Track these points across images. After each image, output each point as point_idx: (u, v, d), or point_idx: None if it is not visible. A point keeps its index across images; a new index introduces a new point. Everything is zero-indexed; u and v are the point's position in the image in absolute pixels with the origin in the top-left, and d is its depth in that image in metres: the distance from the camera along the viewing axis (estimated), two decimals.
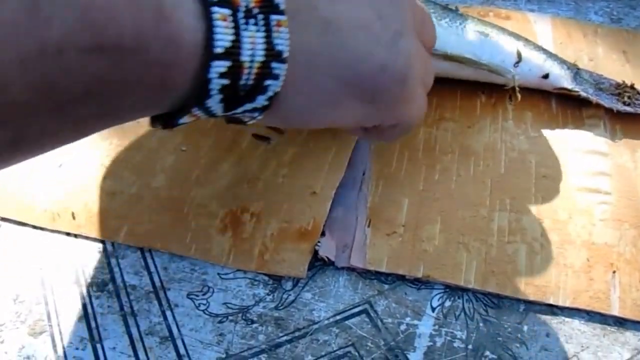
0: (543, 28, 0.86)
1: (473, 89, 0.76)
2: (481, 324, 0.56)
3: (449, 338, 0.55)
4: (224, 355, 0.55)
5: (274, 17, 0.37)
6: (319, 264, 0.61)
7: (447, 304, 0.57)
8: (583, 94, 0.72)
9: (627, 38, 0.84)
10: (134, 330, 0.57)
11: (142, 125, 0.73)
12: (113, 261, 0.62)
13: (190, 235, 0.63)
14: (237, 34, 0.36)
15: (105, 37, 0.31)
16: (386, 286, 0.59)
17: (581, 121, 0.72)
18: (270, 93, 0.39)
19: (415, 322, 0.56)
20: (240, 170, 0.68)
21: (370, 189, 0.66)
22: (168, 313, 0.58)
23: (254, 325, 0.57)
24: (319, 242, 0.62)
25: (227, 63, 0.36)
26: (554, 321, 0.56)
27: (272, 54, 0.37)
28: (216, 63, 0.35)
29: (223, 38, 0.35)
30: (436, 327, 0.56)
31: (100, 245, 0.64)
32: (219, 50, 0.35)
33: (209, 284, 0.60)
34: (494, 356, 0.54)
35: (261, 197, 0.66)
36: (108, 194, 0.67)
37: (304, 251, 0.61)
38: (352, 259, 0.60)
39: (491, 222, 0.62)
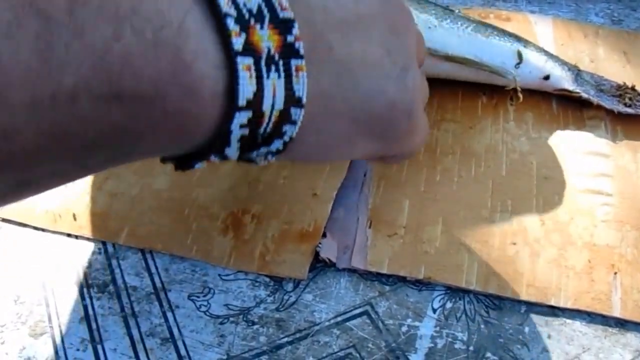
0: (544, 29, 0.86)
1: (474, 90, 0.76)
2: (482, 326, 0.56)
3: (450, 339, 0.55)
4: (225, 357, 0.55)
5: (294, 62, 0.36)
6: (320, 265, 0.61)
7: (448, 305, 0.57)
8: (584, 95, 0.72)
9: (628, 39, 0.84)
10: (134, 332, 0.57)
11: None
12: (114, 262, 0.62)
13: (192, 236, 0.63)
14: (259, 83, 0.34)
15: (121, 84, 0.30)
16: (387, 287, 0.59)
17: (582, 122, 0.72)
18: (286, 138, 0.39)
19: (417, 323, 0.56)
20: (242, 171, 0.68)
21: (371, 190, 0.66)
22: (169, 314, 0.58)
23: (255, 327, 0.57)
24: (320, 243, 0.61)
25: (249, 114, 0.35)
26: (555, 323, 0.56)
27: (292, 100, 0.36)
28: (238, 115, 0.34)
29: (246, 89, 0.34)
30: (437, 328, 0.56)
31: (101, 247, 0.64)
32: (241, 102, 0.34)
33: (210, 285, 0.60)
34: (495, 358, 0.54)
35: (262, 199, 0.66)
36: (109, 195, 0.67)
37: (305, 252, 0.61)
38: (353, 261, 0.60)
39: (492, 224, 0.62)
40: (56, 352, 0.56)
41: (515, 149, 0.69)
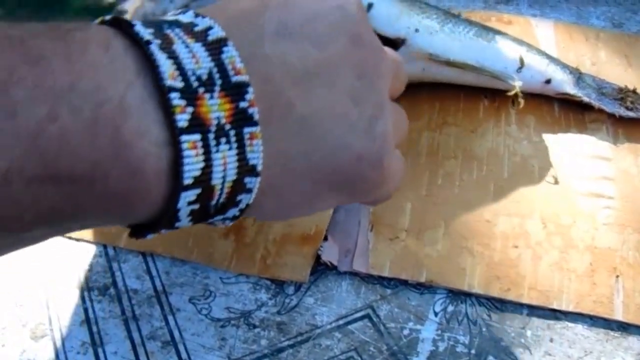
0: (545, 33, 0.85)
1: (476, 93, 0.76)
2: (484, 329, 0.56)
3: (451, 343, 0.55)
4: None
5: (247, 129, 0.34)
6: (321, 268, 0.61)
7: (450, 308, 0.57)
8: (585, 99, 0.72)
9: (629, 42, 0.84)
10: (135, 335, 0.57)
11: None
12: (115, 265, 0.62)
13: (192, 239, 0.63)
14: (207, 158, 0.33)
15: (57, 166, 0.29)
16: (389, 291, 0.59)
17: (584, 125, 0.72)
18: (242, 206, 0.37)
19: (418, 327, 0.56)
20: None
21: None
22: (170, 317, 0.58)
23: (256, 330, 0.56)
24: (321, 246, 0.61)
25: (197, 191, 0.33)
26: (557, 326, 0.56)
27: (246, 169, 0.35)
28: (185, 194, 0.33)
29: (192, 168, 0.32)
30: (439, 332, 0.56)
31: (102, 249, 0.64)
32: (187, 181, 0.32)
33: (211, 288, 0.60)
34: None
35: None
36: None
37: (307, 256, 0.61)
38: (355, 264, 0.60)
39: (494, 227, 0.62)
40: (57, 355, 0.56)
41: (516, 152, 0.69)
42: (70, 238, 0.64)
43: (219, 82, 0.33)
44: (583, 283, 0.58)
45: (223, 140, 0.33)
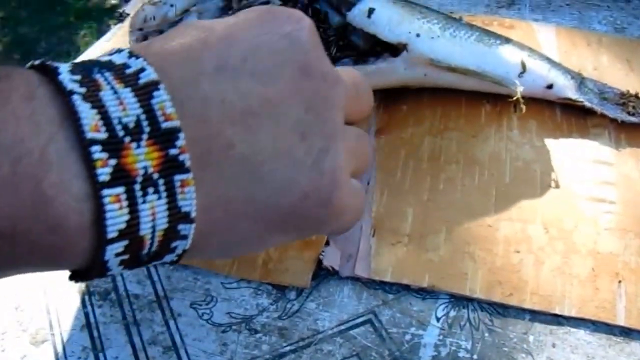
0: (547, 37, 0.85)
1: (478, 98, 0.76)
2: (486, 334, 0.55)
3: (454, 348, 0.55)
4: None
5: (178, 177, 0.33)
6: (323, 273, 0.61)
7: (452, 313, 0.57)
8: (587, 104, 0.72)
9: (631, 47, 0.84)
10: (136, 340, 0.57)
11: None
12: None
13: None
14: (133, 210, 0.31)
15: None
16: (391, 296, 0.59)
17: (586, 130, 0.72)
18: (178, 252, 0.35)
19: (420, 332, 0.56)
20: None
21: (374, 198, 0.66)
22: (171, 322, 0.58)
23: (258, 335, 0.56)
24: (323, 251, 0.61)
25: (124, 243, 0.32)
26: (559, 331, 0.56)
27: (178, 217, 0.33)
28: (110, 247, 0.31)
29: (116, 222, 0.31)
30: (441, 337, 0.56)
31: None
32: (111, 235, 0.31)
33: (213, 293, 0.60)
34: None
35: None
36: None
37: (308, 260, 0.61)
38: (357, 269, 0.60)
39: (496, 232, 0.62)
40: None
41: (518, 157, 0.69)
42: None
43: (147, 129, 0.32)
44: (585, 288, 0.58)
45: (151, 190, 0.32)
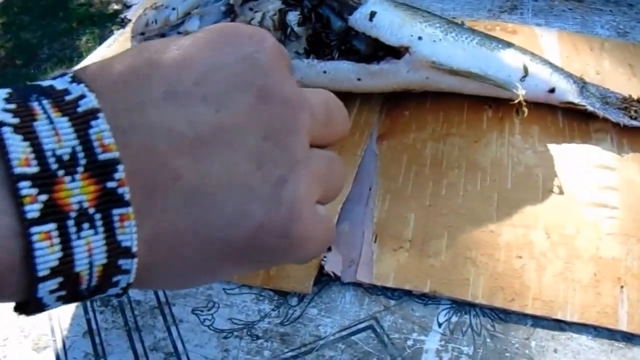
0: (549, 42, 0.86)
1: (480, 103, 0.76)
2: (488, 340, 0.55)
3: (455, 354, 0.55)
4: None
5: (116, 211, 0.31)
6: (324, 279, 0.61)
7: (454, 319, 0.57)
8: (590, 108, 0.72)
9: (633, 52, 0.84)
10: (138, 346, 0.57)
11: None
12: None
13: None
14: (66, 247, 0.30)
15: None
16: (392, 302, 0.59)
17: (588, 135, 0.72)
18: (122, 285, 0.33)
19: (422, 337, 0.56)
20: None
21: (376, 204, 0.66)
22: (173, 328, 0.58)
23: (259, 341, 0.56)
24: (325, 257, 0.61)
25: (58, 280, 0.30)
26: (561, 337, 0.55)
27: (118, 252, 0.32)
28: (43, 285, 0.30)
29: (46, 259, 0.29)
30: (443, 342, 0.55)
31: None
32: (42, 273, 0.29)
33: (214, 299, 0.60)
34: None
35: None
36: None
37: (310, 266, 0.61)
38: (359, 274, 0.60)
39: (498, 237, 0.62)
40: None
41: (520, 162, 0.69)
42: None
43: (82, 161, 0.30)
44: (587, 293, 0.57)
45: (86, 225, 0.30)
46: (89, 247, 0.30)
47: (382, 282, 0.60)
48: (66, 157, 0.29)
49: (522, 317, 0.57)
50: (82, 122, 0.30)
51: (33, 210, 0.28)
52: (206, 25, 0.55)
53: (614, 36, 0.88)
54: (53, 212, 0.29)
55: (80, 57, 2.89)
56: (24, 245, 0.29)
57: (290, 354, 0.55)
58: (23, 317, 0.57)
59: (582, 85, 0.74)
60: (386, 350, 0.55)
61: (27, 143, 0.29)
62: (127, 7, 1.13)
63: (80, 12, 3.46)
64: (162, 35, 0.76)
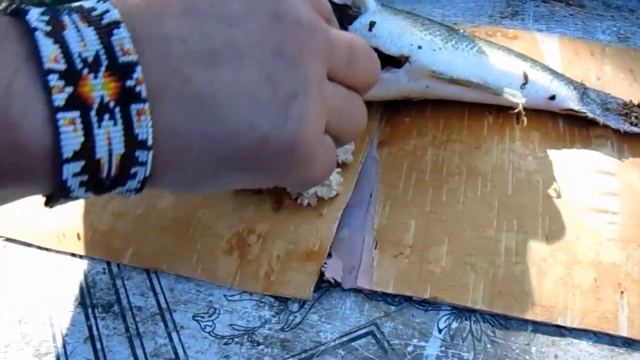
0: (550, 47, 0.86)
1: (480, 110, 0.76)
2: (489, 345, 0.55)
3: (456, 359, 0.55)
4: None
5: (134, 106, 0.35)
6: (325, 285, 0.61)
7: (454, 325, 0.57)
8: (590, 114, 0.72)
9: (634, 57, 0.84)
10: (139, 352, 0.57)
11: None
12: (119, 282, 0.62)
13: (196, 256, 0.63)
14: (88, 134, 0.34)
15: None
16: (393, 307, 0.59)
17: (589, 141, 0.72)
18: (139, 178, 0.38)
19: (422, 343, 0.56)
20: (247, 191, 0.68)
21: (377, 210, 0.66)
22: (174, 335, 0.58)
23: (260, 347, 0.56)
24: (325, 263, 0.61)
25: (81, 163, 0.34)
26: (562, 342, 0.56)
27: (135, 144, 0.36)
28: (67, 166, 0.34)
29: (70, 142, 0.34)
30: (443, 348, 0.55)
31: (105, 266, 0.64)
32: (67, 155, 0.34)
33: (215, 305, 0.60)
34: None
35: (267, 219, 0.66)
36: (114, 214, 0.67)
37: (310, 273, 0.61)
38: (359, 281, 0.60)
39: (498, 243, 0.62)
40: None
41: (521, 168, 0.69)
42: (73, 255, 0.65)
43: (105, 63, 0.34)
44: (587, 299, 0.58)
45: (106, 116, 0.34)
46: (109, 137, 0.35)
47: (383, 288, 0.60)
48: (90, 59, 0.34)
49: (522, 323, 0.57)
50: (105, 31, 0.35)
51: (59, 99, 0.33)
52: None
53: (615, 41, 0.88)
54: (77, 102, 0.33)
55: None
56: (52, 131, 0.33)
57: None
58: (25, 324, 0.57)
59: (583, 91, 0.74)
60: (386, 356, 0.55)
61: (56, 45, 0.33)
62: None
63: None
64: None
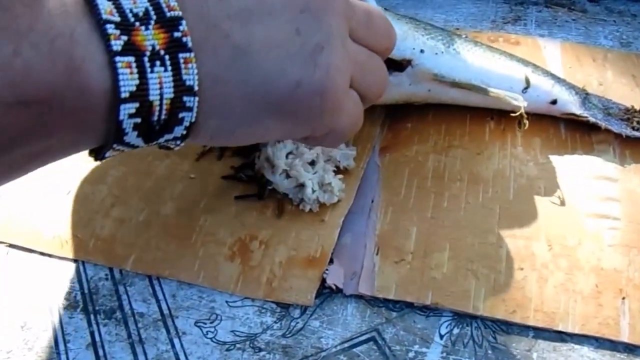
0: (552, 53, 0.86)
1: (482, 115, 0.76)
2: (490, 352, 0.55)
3: None
4: None
5: (181, 55, 0.39)
6: (327, 291, 0.61)
7: (456, 331, 0.57)
8: (592, 119, 0.72)
9: (636, 62, 0.84)
10: (141, 358, 0.57)
11: (150, 153, 0.74)
12: (121, 288, 0.62)
13: (199, 262, 0.63)
14: (142, 77, 0.38)
15: (24, 92, 0.35)
16: (394, 314, 0.59)
17: (590, 146, 0.72)
18: (186, 123, 0.41)
19: (424, 349, 0.56)
20: (249, 197, 0.68)
21: (378, 216, 0.66)
22: (176, 341, 0.58)
23: (262, 353, 0.56)
24: (327, 269, 0.61)
25: (135, 104, 0.38)
26: (563, 348, 0.56)
27: (182, 89, 0.40)
28: (124, 106, 0.38)
29: (127, 84, 0.37)
30: (444, 354, 0.55)
31: (108, 273, 0.64)
32: (124, 95, 0.37)
33: (217, 311, 0.60)
34: None
35: (269, 225, 0.66)
36: (116, 221, 0.67)
37: (312, 279, 0.61)
38: (361, 287, 0.60)
39: (500, 249, 0.62)
40: None
41: (523, 173, 0.69)
42: (76, 261, 0.65)
43: (154, 17, 0.38)
44: (589, 305, 0.58)
45: (158, 63, 0.38)
46: (160, 81, 0.39)
47: (384, 294, 0.60)
48: (141, 14, 0.38)
49: (523, 329, 0.57)
50: None
51: (117, 44, 0.37)
52: None
53: (617, 46, 0.88)
54: (132, 48, 0.37)
55: None
56: (111, 74, 0.37)
57: None
58: (27, 330, 0.57)
59: (584, 96, 0.75)
60: None
61: (110, 2, 0.37)
62: None
63: None
64: None
